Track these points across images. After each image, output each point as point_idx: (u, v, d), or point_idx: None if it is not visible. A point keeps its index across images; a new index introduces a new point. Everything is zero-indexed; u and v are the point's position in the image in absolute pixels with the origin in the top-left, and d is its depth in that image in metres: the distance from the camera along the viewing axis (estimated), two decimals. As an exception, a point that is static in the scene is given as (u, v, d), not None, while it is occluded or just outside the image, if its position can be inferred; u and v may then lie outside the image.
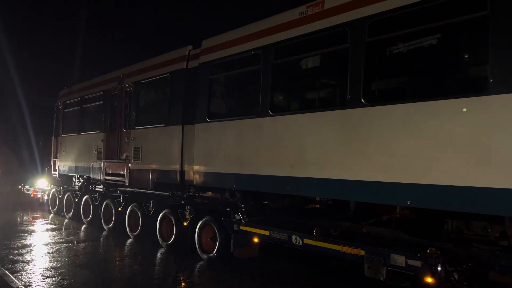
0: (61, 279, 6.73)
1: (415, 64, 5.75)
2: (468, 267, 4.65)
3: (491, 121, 4.40)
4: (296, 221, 7.10)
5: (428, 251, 4.67)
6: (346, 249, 5.51)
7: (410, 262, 4.82)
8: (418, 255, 4.75)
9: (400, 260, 4.91)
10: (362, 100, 5.54)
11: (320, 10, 6.35)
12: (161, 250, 8.91)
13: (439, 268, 4.57)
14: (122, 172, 10.91)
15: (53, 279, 6.73)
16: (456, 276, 4.67)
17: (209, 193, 8.91)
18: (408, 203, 5.13)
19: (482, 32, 4.54)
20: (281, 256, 7.76)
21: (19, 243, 9.64)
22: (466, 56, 5.05)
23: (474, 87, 4.63)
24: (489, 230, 4.81)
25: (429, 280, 4.62)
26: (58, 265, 7.59)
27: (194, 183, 8.52)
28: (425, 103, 4.97)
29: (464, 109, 4.57)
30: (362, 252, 5.30)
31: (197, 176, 8.40)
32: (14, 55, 24.29)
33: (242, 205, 7.39)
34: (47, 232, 11.38)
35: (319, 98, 7.12)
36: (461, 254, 4.78)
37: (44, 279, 6.73)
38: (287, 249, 6.80)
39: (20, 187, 18.20)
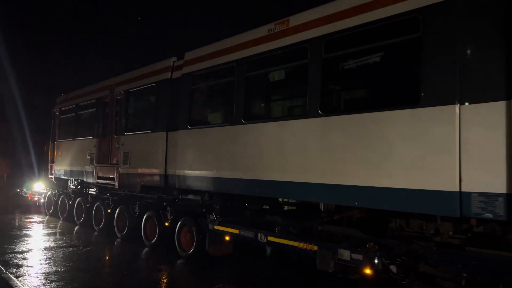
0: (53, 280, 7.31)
1: (361, 79, 6.38)
2: (403, 260, 5.21)
3: (422, 130, 4.99)
4: (268, 221, 7.66)
5: (367, 246, 5.24)
6: (302, 245, 6.08)
7: (354, 256, 5.40)
8: (359, 249, 5.32)
9: (345, 254, 5.49)
10: (319, 111, 6.15)
11: (286, 28, 6.96)
12: (145, 249, 9.49)
13: (376, 261, 5.14)
14: (112, 176, 11.50)
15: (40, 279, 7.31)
16: (393, 269, 5.24)
17: (191, 196, 9.47)
18: (356, 203, 5.72)
19: (415, 51, 5.15)
20: (258, 256, 8.35)
21: (16, 245, 10.22)
22: (403, 72, 5.65)
23: (409, 100, 5.22)
24: (425, 228, 5.37)
25: (368, 271, 5.19)
26: (54, 269, 7.75)
27: (177, 186, 9.10)
28: (369, 114, 5.57)
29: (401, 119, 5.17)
30: (315, 248, 5.88)
31: (179, 179, 8.98)
32: (14, 60, 25.05)
33: (217, 206, 7.97)
34: (42, 234, 11.94)
35: (284, 108, 7.72)
36: (399, 249, 5.34)
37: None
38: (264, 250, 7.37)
39: (18, 190, 18.85)
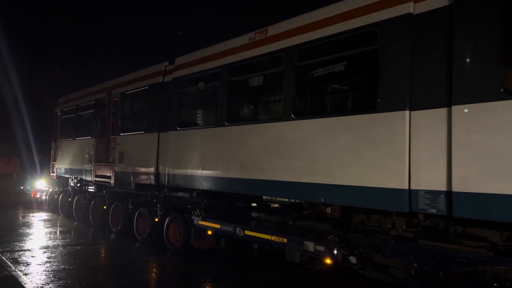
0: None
1: (328, 85, 6.89)
2: (360, 252, 5.70)
3: (378, 133, 5.49)
4: (248, 217, 8.19)
5: (328, 238, 5.75)
6: (274, 238, 6.60)
7: (317, 247, 5.91)
8: (321, 241, 5.83)
9: (310, 246, 6.00)
10: (292, 115, 6.66)
11: (264, 37, 7.48)
12: (137, 244, 10.05)
13: (335, 252, 5.65)
14: (109, 174, 12.08)
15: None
16: (353, 260, 5.74)
17: (181, 193, 10.00)
18: (322, 200, 6.23)
19: (373, 61, 5.65)
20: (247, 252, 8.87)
21: (23, 243, 10.82)
22: (363, 80, 6.16)
23: (367, 106, 5.72)
24: (382, 223, 5.87)
25: (328, 261, 5.70)
26: (62, 267, 7.80)
27: (167, 184, 9.64)
28: (335, 118, 6.09)
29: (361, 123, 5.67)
30: (285, 240, 6.39)
31: (169, 178, 9.52)
32: (18, 62, 25.81)
33: (202, 203, 8.50)
34: (48, 232, 12.48)
35: (262, 112, 8.23)
36: (358, 242, 5.84)
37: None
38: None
39: (22, 188, 19.55)
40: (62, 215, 15.08)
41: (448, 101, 4.83)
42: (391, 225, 5.82)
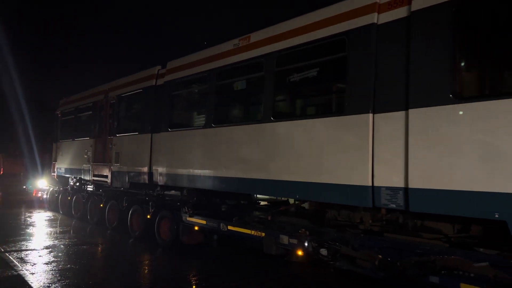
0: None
1: (303, 90, 7.33)
2: (329, 244, 6.13)
3: (346, 135, 5.92)
4: (233, 213, 8.61)
5: (300, 231, 6.19)
6: (253, 232, 7.05)
7: (291, 240, 6.35)
8: (294, 235, 6.27)
9: (285, 239, 6.44)
10: (271, 117, 7.10)
11: (247, 43, 7.92)
12: (131, 240, 10.53)
13: (306, 244, 6.09)
14: (106, 174, 12.57)
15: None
16: (323, 252, 6.17)
17: (172, 191, 10.47)
18: (297, 196, 6.67)
19: (343, 68, 6.08)
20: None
21: (25, 241, 11.33)
22: (334, 85, 6.59)
23: (337, 109, 6.16)
24: (352, 217, 6.30)
25: (300, 253, 6.13)
26: (68, 266, 7.93)
27: (159, 183, 10.10)
28: (309, 120, 6.53)
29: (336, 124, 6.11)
30: (263, 234, 6.83)
31: (161, 177, 9.98)
32: (21, 66, 26.46)
33: (191, 201, 8.96)
34: (46, 228, 13.02)
35: (245, 114, 8.67)
36: (328, 235, 6.28)
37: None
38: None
39: (24, 187, 20.13)
40: (62, 213, 15.60)
41: (405, 105, 5.26)
42: (359, 219, 6.25)
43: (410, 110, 5.18)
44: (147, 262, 8.55)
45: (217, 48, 8.72)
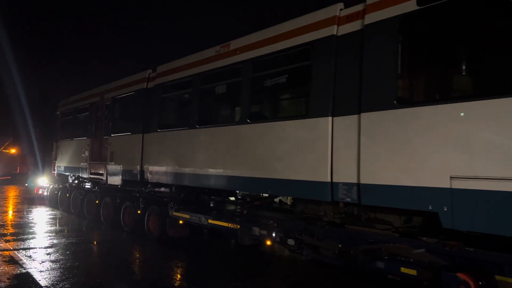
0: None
1: (275, 94, 7.94)
2: (295, 235, 6.74)
3: (309, 136, 6.53)
4: (217, 208, 9.24)
5: (268, 223, 6.80)
6: (230, 225, 7.67)
7: (261, 231, 6.96)
8: (263, 226, 6.89)
9: (256, 230, 7.06)
10: (247, 119, 7.72)
11: (227, 50, 8.53)
12: (123, 234, 11.19)
13: (273, 235, 6.71)
14: (102, 172, 13.23)
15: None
16: (291, 242, 6.78)
17: (163, 188, 11.13)
18: (269, 192, 7.29)
19: (307, 75, 6.68)
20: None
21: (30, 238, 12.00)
22: (300, 90, 7.19)
23: (302, 112, 6.76)
24: (317, 211, 6.91)
25: (268, 243, 6.76)
26: (76, 263, 7.98)
27: (150, 180, 10.75)
28: (279, 122, 7.15)
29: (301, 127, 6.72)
30: (238, 226, 7.45)
31: (151, 175, 10.62)
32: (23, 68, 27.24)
33: (179, 197, 9.59)
34: (50, 225, 13.70)
35: (225, 116, 9.28)
36: (295, 226, 6.89)
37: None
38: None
39: (26, 185, 20.87)
40: (61, 209, 16.28)
41: (358, 109, 5.86)
42: (324, 212, 6.85)
43: (362, 114, 5.78)
44: (144, 258, 9.09)
45: (201, 54, 9.34)
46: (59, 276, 7.08)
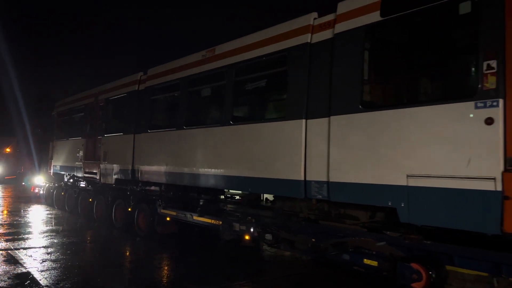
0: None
1: (256, 97, 8.38)
2: (272, 230, 7.17)
3: (286, 137, 6.95)
4: (203, 205, 9.66)
5: (247, 219, 7.23)
6: (213, 221, 8.09)
7: (241, 227, 7.39)
8: (242, 222, 7.32)
9: (237, 226, 7.49)
10: (230, 121, 8.14)
11: (212, 55, 8.95)
12: (115, 231, 11.61)
13: (252, 230, 7.13)
14: (95, 171, 13.65)
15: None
16: (268, 237, 7.21)
17: (152, 187, 11.55)
18: (249, 190, 7.71)
19: (284, 80, 7.10)
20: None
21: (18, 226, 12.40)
22: (278, 95, 7.62)
23: (280, 115, 7.19)
24: (293, 207, 7.33)
25: (247, 237, 7.18)
26: (77, 263, 8.05)
27: (141, 179, 11.16)
28: (259, 124, 7.58)
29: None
30: (220, 222, 7.88)
31: (143, 173, 11.04)
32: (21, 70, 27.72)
33: (168, 195, 10.02)
34: (42, 221, 14.11)
35: (210, 118, 9.69)
36: (272, 222, 7.31)
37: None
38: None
39: (23, 184, 21.28)
40: (56, 207, 16.70)
41: (328, 113, 6.28)
42: (300, 209, 7.27)
43: (331, 117, 6.21)
44: (140, 257, 9.41)
45: (188, 58, 9.75)
46: (58, 276, 7.16)
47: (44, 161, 21.62)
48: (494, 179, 4.43)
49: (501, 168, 4.42)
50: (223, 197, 9.65)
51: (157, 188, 11.27)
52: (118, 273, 7.75)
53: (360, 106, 5.84)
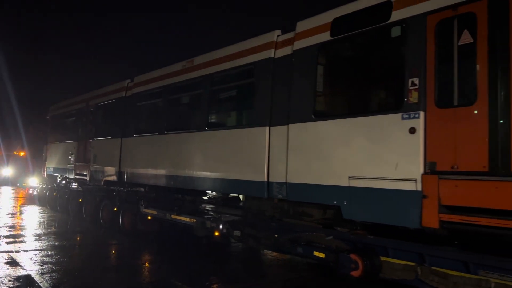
0: None
1: (229, 106, 9.10)
2: (240, 228, 7.86)
3: (252, 143, 7.65)
4: (183, 205, 10.34)
5: (217, 217, 7.93)
6: (188, 219, 8.78)
7: (212, 224, 8.08)
8: (212, 220, 8.02)
9: (208, 223, 8.18)
10: (206, 127, 8.85)
11: (192, 65, 9.67)
12: (102, 230, 12.30)
13: (221, 227, 7.83)
14: (85, 173, 14.33)
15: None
16: (236, 233, 7.90)
17: (138, 188, 12.23)
18: (222, 190, 8.41)
19: (252, 91, 7.82)
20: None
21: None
22: (247, 103, 8.33)
23: (248, 122, 7.91)
24: (260, 207, 8.02)
25: (217, 234, 7.88)
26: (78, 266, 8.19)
27: (127, 181, 11.85)
28: (231, 130, 8.31)
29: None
30: (194, 220, 8.57)
31: (128, 175, 11.73)
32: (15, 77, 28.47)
33: (151, 196, 10.72)
34: (37, 222, 14.76)
35: (188, 124, 10.38)
36: (242, 220, 8.01)
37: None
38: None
39: (18, 185, 21.93)
40: (49, 208, 17.36)
41: (287, 121, 6.99)
42: (265, 208, 7.97)
43: (290, 125, 6.92)
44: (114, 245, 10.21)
45: (170, 68, 10.47)
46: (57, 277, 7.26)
47: (35, 163, 22.37)
48: (415, 180, 5.14)
49: (421, 171, 5.13)
50: (205, 198, 10.30)
51: (141, 189, 11.96)
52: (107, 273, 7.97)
53: (312, 116, 6.55)
